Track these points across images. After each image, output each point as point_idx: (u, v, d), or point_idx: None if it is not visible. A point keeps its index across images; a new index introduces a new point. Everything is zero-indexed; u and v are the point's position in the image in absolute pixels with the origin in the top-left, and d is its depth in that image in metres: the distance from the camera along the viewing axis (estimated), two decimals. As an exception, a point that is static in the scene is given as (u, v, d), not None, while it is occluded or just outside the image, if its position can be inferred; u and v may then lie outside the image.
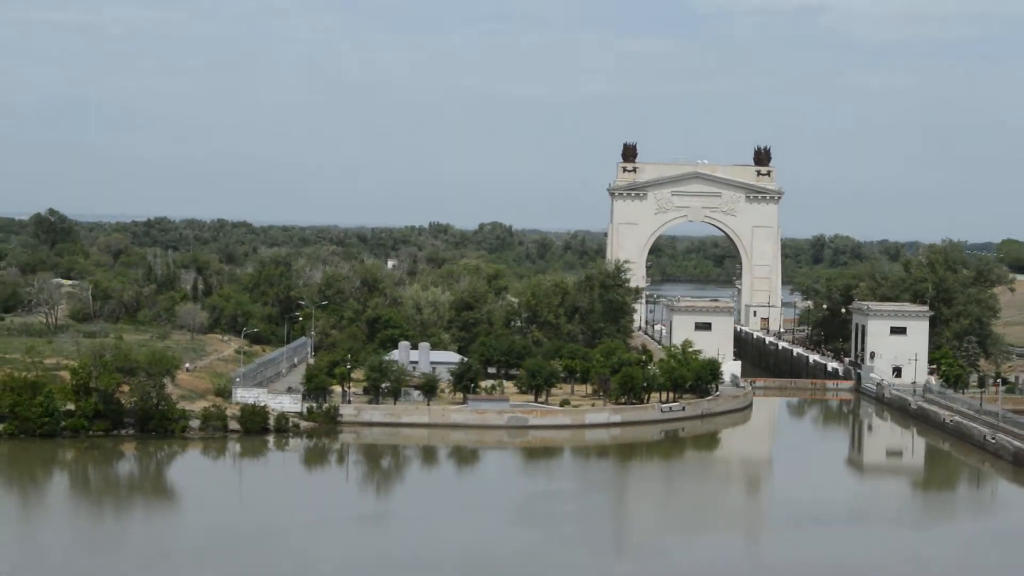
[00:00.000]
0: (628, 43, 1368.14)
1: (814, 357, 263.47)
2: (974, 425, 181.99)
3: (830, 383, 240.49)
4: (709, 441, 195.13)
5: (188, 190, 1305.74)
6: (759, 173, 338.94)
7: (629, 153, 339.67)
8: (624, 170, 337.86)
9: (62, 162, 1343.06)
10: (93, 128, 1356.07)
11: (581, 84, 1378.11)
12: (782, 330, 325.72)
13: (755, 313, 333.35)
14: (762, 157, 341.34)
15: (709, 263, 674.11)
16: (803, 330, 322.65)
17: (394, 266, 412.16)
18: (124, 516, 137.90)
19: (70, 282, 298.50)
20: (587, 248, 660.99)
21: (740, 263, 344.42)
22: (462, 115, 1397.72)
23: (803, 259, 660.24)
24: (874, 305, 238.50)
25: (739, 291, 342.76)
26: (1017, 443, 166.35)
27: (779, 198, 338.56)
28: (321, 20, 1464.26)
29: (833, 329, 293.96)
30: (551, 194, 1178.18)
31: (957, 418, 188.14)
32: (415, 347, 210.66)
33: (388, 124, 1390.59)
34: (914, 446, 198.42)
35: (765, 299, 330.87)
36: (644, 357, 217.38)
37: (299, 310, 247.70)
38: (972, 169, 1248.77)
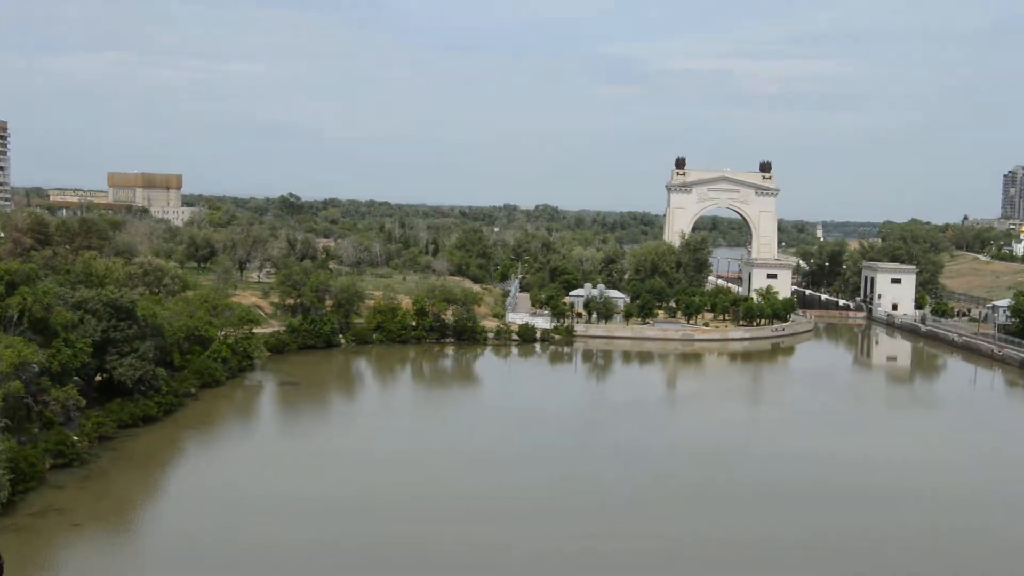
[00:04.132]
0: (604, 89, 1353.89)
1: (825, 296, 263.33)
2: (980, 342, 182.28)
3: (850, 314, 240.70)
4: (793, 350, 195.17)
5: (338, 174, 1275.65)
6: (764, 177, 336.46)
7: (680, 163, 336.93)
8: (677, 174, 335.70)
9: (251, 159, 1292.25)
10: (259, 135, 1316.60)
11: (571, 120, 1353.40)
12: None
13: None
14: (765, 167, 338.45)
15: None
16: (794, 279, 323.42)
17: (497, 232, 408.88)
18: (449, 390, 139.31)
19: (326, 240, 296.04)
20: (607, 222, 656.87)
21: (750, 235, 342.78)
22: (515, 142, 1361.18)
23: (742, 230, 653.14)
24: (880, 264, 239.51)
25: (749, 253, 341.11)
26: (1021, 354, 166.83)
27: (777, 193, 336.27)
28: (402, 73, 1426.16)
29: (822, 278, 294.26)
30: (584, 182, 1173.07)
31: (966, 337, 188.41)
32: (594, 287, 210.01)
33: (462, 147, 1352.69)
34: (924, 352, 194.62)
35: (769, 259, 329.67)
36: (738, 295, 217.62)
37: (502, 264, 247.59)
38: (851, 169, 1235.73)
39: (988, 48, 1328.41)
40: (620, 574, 65.22)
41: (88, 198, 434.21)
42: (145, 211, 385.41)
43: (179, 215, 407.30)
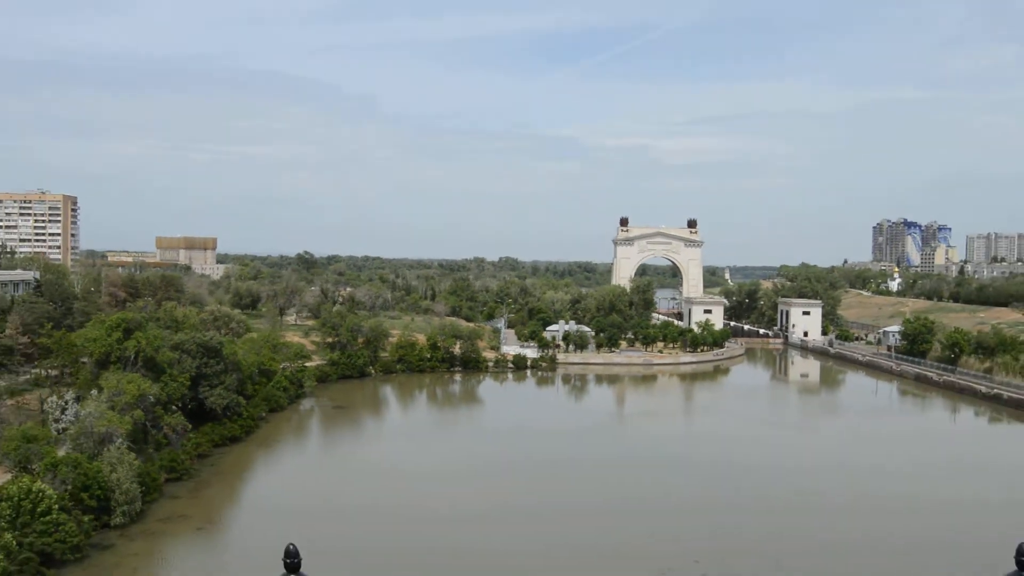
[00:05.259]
0: (548, 165, 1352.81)
1: (747, 326, 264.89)
2: (881, 360, 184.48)
3: (770, 340, 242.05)
4: (729, 370, 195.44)
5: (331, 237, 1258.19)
6: (692, 231, 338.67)
7: (624, 222, 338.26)
8: (622, 231, 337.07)
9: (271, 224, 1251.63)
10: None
11: (524, 187, 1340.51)
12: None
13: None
14: (692, 223, 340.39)
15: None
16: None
17: (474, 279, 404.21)
18: (455, 409, 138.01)
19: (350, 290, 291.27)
20: (559, 270, 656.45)
21: (680, 279, 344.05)
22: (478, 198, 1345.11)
23: (667, 274, 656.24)
24: (794, 300, 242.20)
25: (681, 293, 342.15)
26: (916, 369, 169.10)
27: (702, 244, 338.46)
28: (386, 152, 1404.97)
29: (741, 312, 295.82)
30: (537, 237, 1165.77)
31: (869, 357, 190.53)
32: (566, 323, 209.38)
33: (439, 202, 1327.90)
34: (834, 369, 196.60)
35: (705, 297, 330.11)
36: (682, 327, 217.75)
37: (488, 306, 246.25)
38: (749, 222, 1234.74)
39: (855, 124, 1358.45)
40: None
41: (140, 258, 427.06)
42: (188, 268, 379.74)
43: (216, 271, 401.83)
